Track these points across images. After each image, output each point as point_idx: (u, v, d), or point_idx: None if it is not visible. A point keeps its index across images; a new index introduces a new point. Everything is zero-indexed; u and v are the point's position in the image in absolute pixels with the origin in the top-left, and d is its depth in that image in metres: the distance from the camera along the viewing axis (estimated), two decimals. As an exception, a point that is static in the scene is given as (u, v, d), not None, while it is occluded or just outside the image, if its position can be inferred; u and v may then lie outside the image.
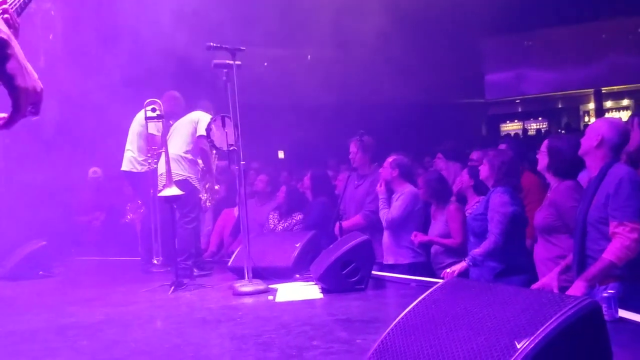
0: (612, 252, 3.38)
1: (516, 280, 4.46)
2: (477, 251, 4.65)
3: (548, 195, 4.25)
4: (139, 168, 6.68)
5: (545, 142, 4.30)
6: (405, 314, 2.54)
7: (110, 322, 4.47)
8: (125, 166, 6.76)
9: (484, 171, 4.90)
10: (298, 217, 6.99)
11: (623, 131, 3.67)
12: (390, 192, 5.78)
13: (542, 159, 4.23)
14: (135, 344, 3.86)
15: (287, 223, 7.01)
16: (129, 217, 7.21)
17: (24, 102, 1.76)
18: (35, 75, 1.79)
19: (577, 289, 3.42)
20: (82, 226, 8.73)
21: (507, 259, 4.59)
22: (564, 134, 4.55)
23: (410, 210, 5.66)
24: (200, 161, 6.28)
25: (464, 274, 4.79)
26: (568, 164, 4.12)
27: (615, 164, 3.55)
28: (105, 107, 7.72)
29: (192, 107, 6.60)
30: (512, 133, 20.90)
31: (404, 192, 5.68)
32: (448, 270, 4.70)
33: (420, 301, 2.57)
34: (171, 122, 6.55)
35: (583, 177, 4.94)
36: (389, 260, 5.71)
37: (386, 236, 5.75)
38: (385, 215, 5.69)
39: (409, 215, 5.65)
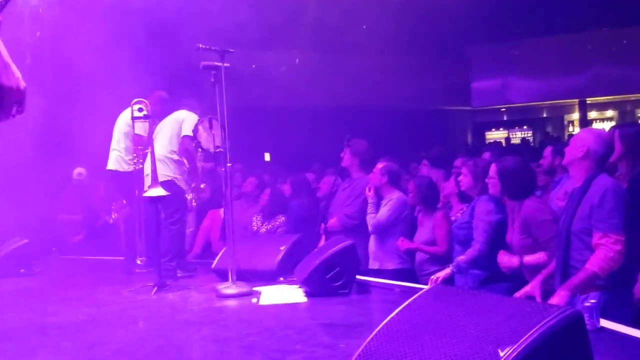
0: (596, 263, 3.41)
1: (500, 288, 4.48)
2: (462, 258, 4.67)
3: (513, 217, 4.25)
4: (125, 167, 6.64)
5: (493, 166, 4.33)
6: (389, 320, 2.55)
7: (92, 322, 4.45)
8: (112, 165, 6.71)
9: (466, 182, 4.93)
10: (281, 219, 6.99)
11: (608, 143, 3.71)
12: (379, 198, 5.78)
13: (494, 185, 4.28)
14: (117, 345, 3.84)
15: (270, 225, 7.01)
16: (113, 216, 7.15)
17: (9, 101, 1.75)
18: (19, 74, 1.78)
19: (560, 298, 3.45)
20: (64, 225, 8.66)
21: (491, 266, 4.60)
22: (511, 155, 4.62)
23: (397, 216, 5.67)
24: (185, 161, 6.25)
25: (449, 280, 4.81)
26: (520, 185, 4.16)
27: (599, 175, 3.58)
28: (91, 106, 7.68)
29: (177, 105, 6.55)
30: (497, 141, 21.03)
31: (392, 198, 5.69)
32: (433, 277, 4.72)
33: (404, 307, 2.58)
34: (156, 121, 6.51)
35: (562, 189, 5.00)
36: (374, 265, 5.72)
37: (372, 241, 5.76)
38: (371, 219, 5.70)
39: (395, 221, 5.66)
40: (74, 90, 8.07)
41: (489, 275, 4.63)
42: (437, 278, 4.73)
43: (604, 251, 3.40)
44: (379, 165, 5.87)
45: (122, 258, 6.82)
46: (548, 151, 5.88)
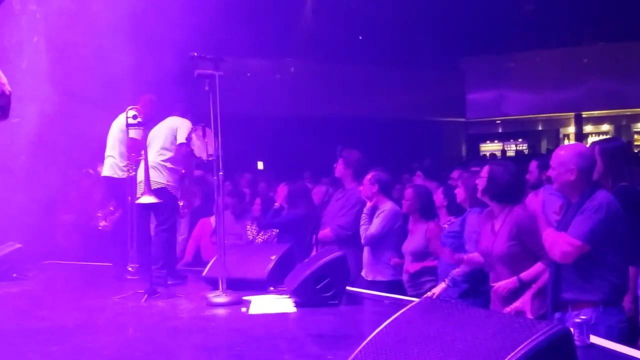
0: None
1: (480, 301, 4.49)
2: (457, 272, 4.65)
3: (494, 222, 4.22)
4: (120, 174, 6.61)
5: (485, 167, 4.33)
6: (378, 333, 2.55)
7: (82, 328, 4.44)
8: (107, 172, 6.69)
9: (460, 194, 4.95)
10: (276, 229, 6.97)
11: (590, 155, 3.71)
12: (374, 209, 5.76)
13: (481, 183, 4.27)
14: (106, 351, 3.85)
15: (266, 235, 7.00)
16: (101, 223, 7.09)
17: None
18: (4, 79, 1.78)
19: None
20: (59, 229, 8.60)
21: (473, 279, 4.63)
22: (504, 161, 4.55)
23: (390, 227, 5.64)
24: (181, 169, 6.23)
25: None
26: (506, 189, 4.13)
27: (598, 189, 3.55)
28: (86, 111, 7.67)
29: (169, 110, 6.52)
30: (491, 153, 21.08)
31: (385, 209, 5.66)
32: (429, 293, 4.68)
33: (393, 320, 2.58)
34: (149, 125, 6.47)
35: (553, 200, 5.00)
36: (368, 276, 5.72)
37: (366, 252, 5.76)
38: (364, 231, 5.69)
39: (388, 232, 5.64)
40: (70, 95, 8.05)
41: (470, 288, 4.64)
42: (433, 294, 4.68)
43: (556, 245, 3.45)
44: (368, 176, 5.86)
45: (111, 264, 6.80)
46: (534, 166, 5.81)
